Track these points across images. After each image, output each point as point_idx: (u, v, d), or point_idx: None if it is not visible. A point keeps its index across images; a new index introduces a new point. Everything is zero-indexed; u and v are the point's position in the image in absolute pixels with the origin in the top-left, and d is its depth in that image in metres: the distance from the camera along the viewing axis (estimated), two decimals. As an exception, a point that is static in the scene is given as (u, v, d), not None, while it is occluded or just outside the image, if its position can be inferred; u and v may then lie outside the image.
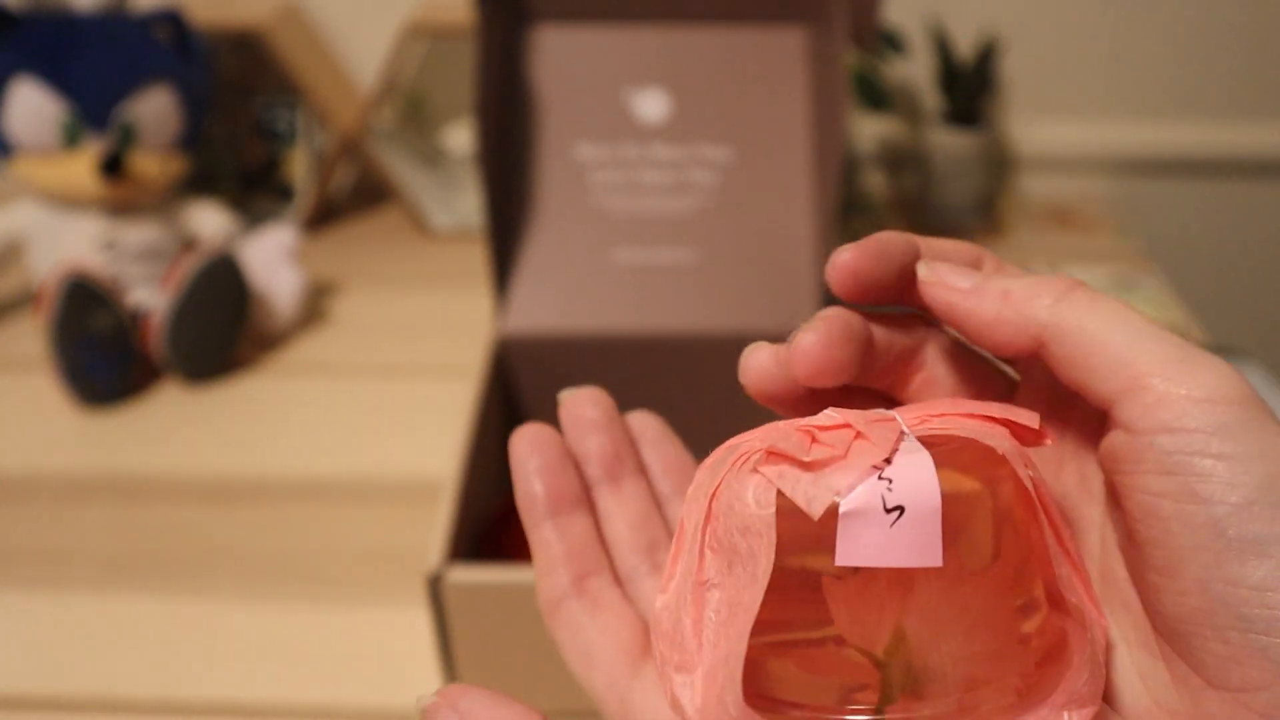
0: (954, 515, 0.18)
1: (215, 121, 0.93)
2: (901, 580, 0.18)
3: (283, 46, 0.87)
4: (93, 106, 0.70)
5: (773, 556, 0.18)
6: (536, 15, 0.64)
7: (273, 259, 0.76)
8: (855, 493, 0.18)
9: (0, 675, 0.49)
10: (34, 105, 0.69)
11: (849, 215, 0.94)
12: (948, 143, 0.92)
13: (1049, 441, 0.21)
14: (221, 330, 0.72)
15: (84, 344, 0.67)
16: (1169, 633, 0.19)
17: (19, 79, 0.68)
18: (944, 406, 0.20)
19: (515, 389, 0.61)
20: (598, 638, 0.22)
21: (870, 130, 1.01)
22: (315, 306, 0.83)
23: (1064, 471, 0.23)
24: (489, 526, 0.53)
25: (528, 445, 0.24)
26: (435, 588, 0.42)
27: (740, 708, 0.17)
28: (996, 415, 0.20)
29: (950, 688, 0.18)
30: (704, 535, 0.19)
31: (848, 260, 0.21)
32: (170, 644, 0.51)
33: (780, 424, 0.20)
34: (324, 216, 0.98)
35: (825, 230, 0.61)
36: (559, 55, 0.64)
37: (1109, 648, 0.19)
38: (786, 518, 0.18)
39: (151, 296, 0.72)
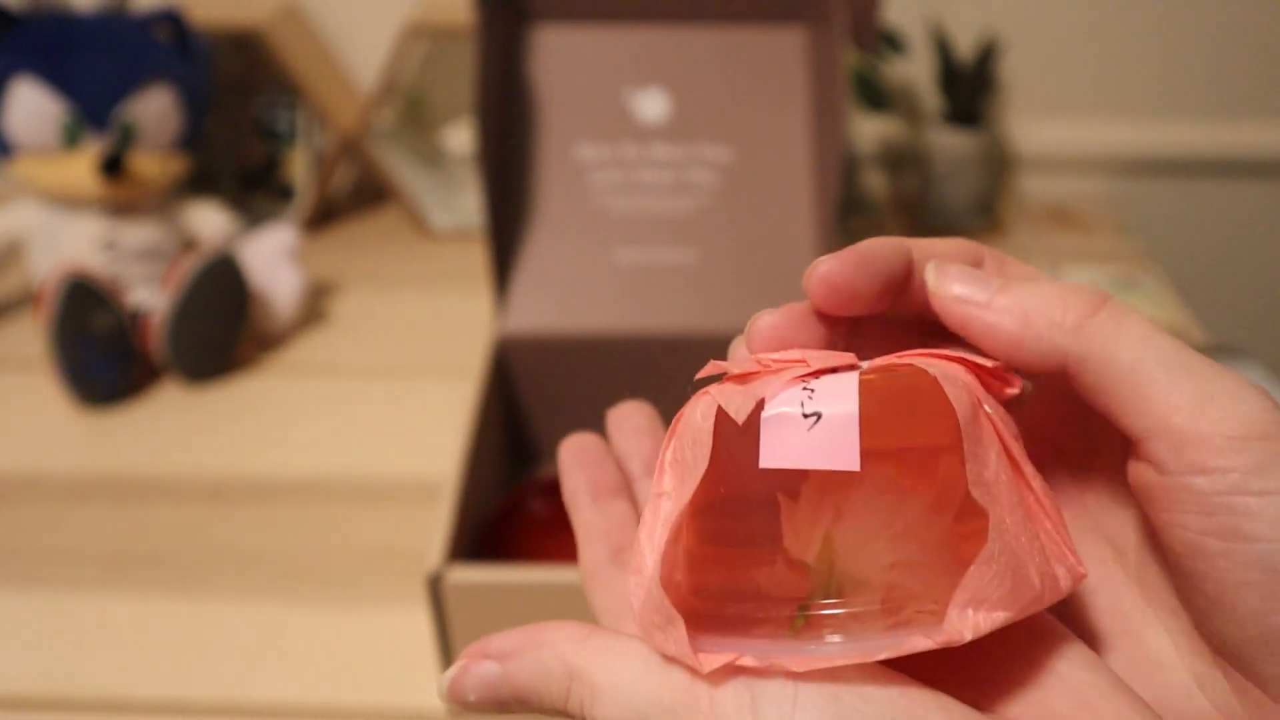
0: (893, 431, 0.19)
1: (215, 121, 0.93)
2: (835, 490, 0.19)
3: (283, 46, 0.87)
4: (93, 106, 0.70)
5: (706, 459, 0.19)
6: (536, 15, 0.64)
7: (273, 259, 0.76)
8: (776, 398, 0.19)
9: (0, 675, 0.49)
10: (34, 105, 0.69)
11: (849, 215, 0.94)
12: (948, 143, 0.92)
13: (1014, 390, 0.21)
14: (221, 330, 0.72)
15: (84, 344, 0.67)
16: (1225, 651, 0.18)
17: (19, 79, 0.68)
18: (919, 351, 0.21)
19: (515, 389, 0.61)
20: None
21: (870, 130, 1.01)
22: (315, 306, 0.83)
23: (1095, 473, 0.23)
24: (489, 526, 0.53)
25: (573, 447, 0.27)
26: (435, 588, 0.42)
27: (656, 586, 0.19)
28: (964, 358, 0.20)
29: (872, 591, 0.18)
30: (665, 452, 0.21)
31: (825, 272, 0.21)
32: (170, 644, 0.51)
33: (754, 355, 0.21)
34: (324, 216, 0.98)
35: (825, 230, 0.61)
36: (559, 55, 0.64)
37: (1068, 590, 0.19)
38: (740, 441, 0.19)
39: (151, 296, 0.72)
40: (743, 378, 0.20)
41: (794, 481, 0.19)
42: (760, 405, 0.19)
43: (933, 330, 0.23)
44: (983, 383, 0.20)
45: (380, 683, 0.49)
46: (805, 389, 0.19)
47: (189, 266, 0.69)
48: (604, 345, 0.60)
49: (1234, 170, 1.00)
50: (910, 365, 0.19)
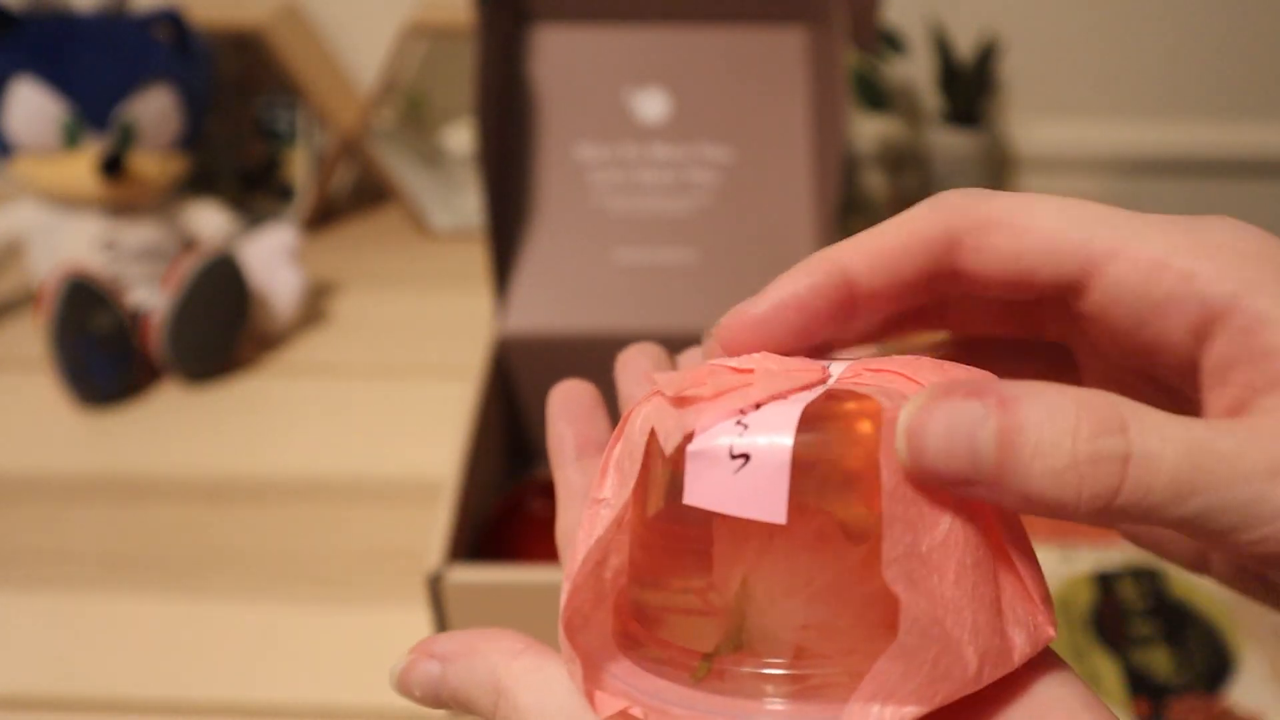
0: (830, 477, 0.17)
1: (215, 121, 0.93)
2: (758, 534, 0.17)
3: (283, 46, 0.87)
4: (93, 106, 0.70)
5: (634, 479, 0.18)
6: (536, 15, 0.64)
7: (273, 259, 0.76)
8: (705, 433, 0.17)
9: (0, 675, 0.49)
10: (34, 105, 0.69)
11: (849, 215, 0.94)
12: (948, 143, 0.92)
13: None
14: (221, 330, 0.72)
15: (84, 344, 0.67)
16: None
17: (19, 79, 0.68)
18: (896, 364, 0.19)
19: (515, 389, 0.61)
20: None
21: (870, 130, 1.01)
22: (315, 306, 0.83)
23: None
24: (489, 526, 0.53)
25: (562, 395, 0.25)
26: (435, 588, 0.42)
27: (560, 625, 0.18)
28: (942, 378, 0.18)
29: (781, 650, 0.17)
30: (609, 455, 0.19)
31: (726, 340, 0.20)
32: (170, 644, 0.51)
33: (712, 363, 0.20)
34: (324, 216, 0.98)
35: (825, 230, 0.61)
36: (559, 55, 0.64)
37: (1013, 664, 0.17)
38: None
39: (151, 296, 0.72)
40: (679, 401, 0.18)
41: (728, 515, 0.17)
42: (689, 437, 0.17)
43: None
44: None
45: (380, 683, 0.49)
46: (740, 422, 0.17)
47: (189, 266, 0.69)
48: (604, 345, 0.60)
49: (1234, 170, 1.00)
50: (864, 399, 0.17)
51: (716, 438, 0.17)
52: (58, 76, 0.69)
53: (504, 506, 0.54)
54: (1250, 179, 1.01)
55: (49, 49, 0.69)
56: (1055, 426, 0.15)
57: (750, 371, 0.18)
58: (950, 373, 0.18)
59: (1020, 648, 0.17)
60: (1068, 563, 0.55)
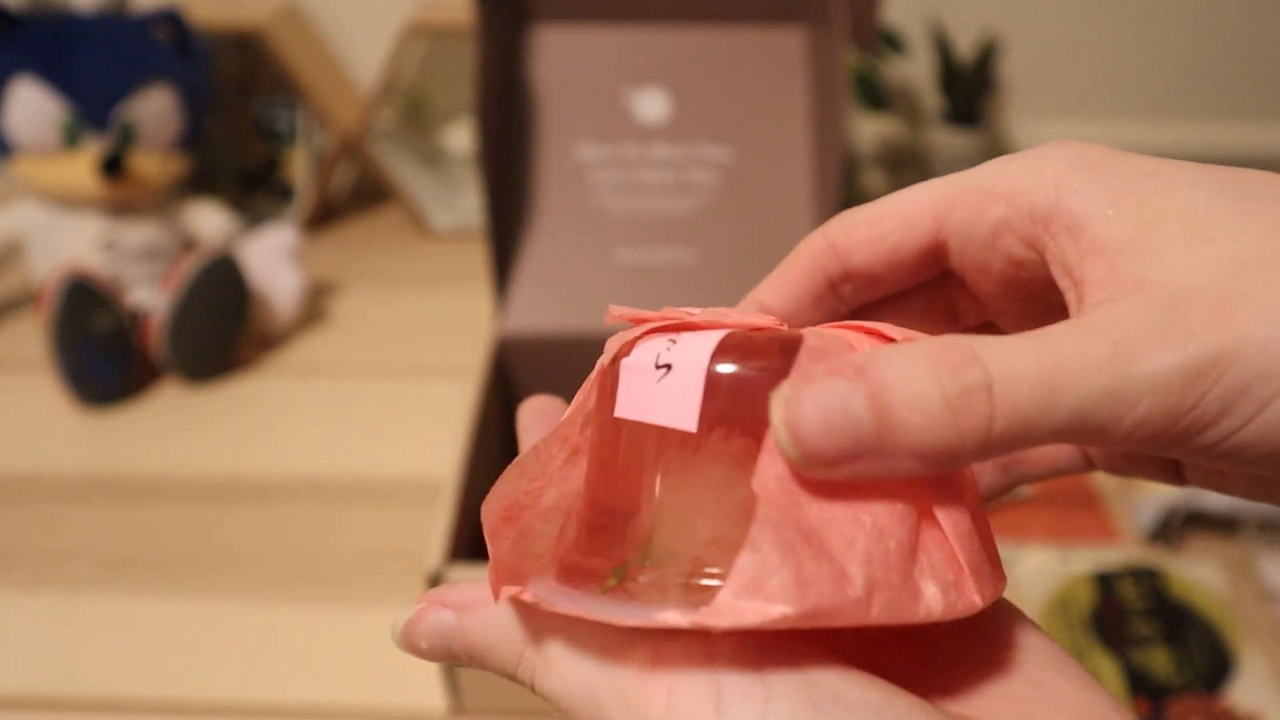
0: (742, 401, 0.17)
1: (215, 121, 0.93)
2: (669, 450, 0.18)
3: (283, 46, 0.87)
4: (93, 106, 0.70)
5: (588, 399, 0.19)
6: (536, 15, 0.64)
7: (273, 259, 0.76)
8: (639, 346, 0.18)
9: (0, 675, 0.49)
10: (34, 105, 0.69)
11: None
12: (948, 143, 0.92)
13: None
14: (221, 330, 0.72)
15: (84, 344, 0.67)
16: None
17: (19, 79, 0.68)
18: (861, 324, 0.19)
19: (515, 389, 0.61)
20: None
21: (870, 130, 1.01)
22: (315, 306, 0.83)
23: None
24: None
25: (533, 410, 0.25)
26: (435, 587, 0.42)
27: (490, 521, 0.19)
28: (890, 335, 0.19)
29: (679, 564, 0.17)
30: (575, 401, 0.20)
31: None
32: (170, 644, 0.51)
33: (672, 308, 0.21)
34: (324, 216, 0.98)
35: (825, 230, 0.61)
36: (559, 55, 0.64)
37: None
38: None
39: (151, 296, 0.72)
40: (637, 321, 0.19)
41: (657, 434, 0.18)
42: (625, 350, 0.18)
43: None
44: None
45: (380, 683, 0.49)
46: (670, 339, 0.18)
47: (189, 267, 0.69)
48: (604, 345, 0.60)
49: (1234, 170, 1.00)
50: (787, 332, 0.18)
51: (645, 350, 0.18)
52: (58, 76, 0.69)
53: (504, 506, 0.54)
54: (1250, 179, 1.01)
55: (49, 49, 0.69)
56: (917, 376, 0.16)
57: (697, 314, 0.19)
58: (895, 333, 0.19)
59: (930, 602, 0.17)
60: (1068, 563, 0.55)
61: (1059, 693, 0.17)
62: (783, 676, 0.16)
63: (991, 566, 0.18)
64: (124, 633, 0.52)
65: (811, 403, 0.16)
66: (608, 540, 0.18)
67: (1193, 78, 0.97)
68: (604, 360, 0.19)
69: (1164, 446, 0.16)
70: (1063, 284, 0.19)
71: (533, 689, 0.19)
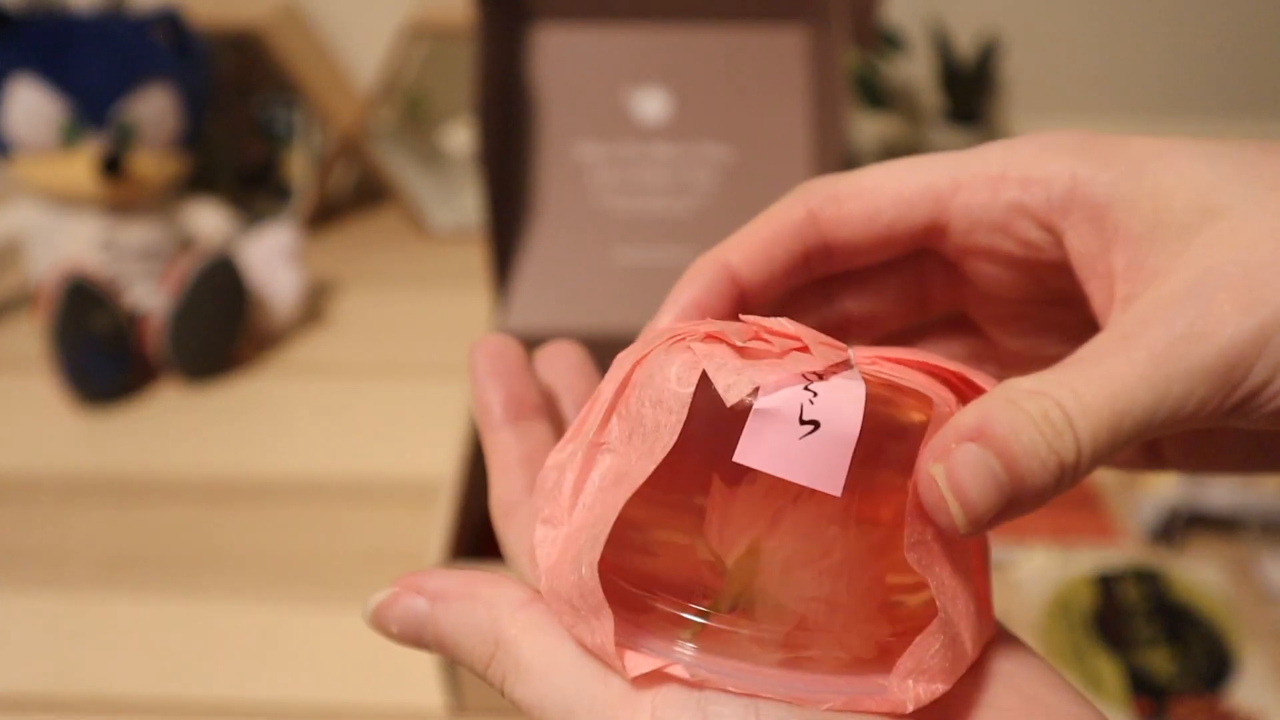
0: (862, 457, 0.17)
1: (214, 121, 0.93)
2: (777, 499, 0.17)
3: (282, 46, 0.87)
4: (91, 106, 0.70)
5: (676, 435, 0.17)
6: (536, 15, 0.64)
7: (272, 259, 0.76)
8: (777, 393, 0.17)
9: (0, 675, 0.49)
10: (33, 105, 0.69)
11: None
12: (948, 142, 0.92)
13: None
14: (221, 330, 0.72)
15: (83, 344, 0.67)
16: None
17: (18, 79, 0.68)
18: (903, 354, 0.19)
19: (515, 389, 0.61)
20: None
21: (870, 130, 1.01)
22: (315, 306, 0.82)
23: None
24: (489, 526, 0.52)
25: (488, 352, 0.23)
26: (435, 588, 0.42)
27: (593, 573, 0.17)
28: (951, 371, 0.18)
29: (782, 619, 0.17)
30: (616, 400, 0.18)
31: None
32: (169, 644, 0.51)
33: (730, 321, 0.19)
34: (324, 216, 0.98)
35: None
36: (559, 55, 0.64)
37: (982, 644, 0.18)
38: (704, 410, 0.17)
39: (150, 296, 0.72)
40: (742, 351, 0.17)
41: (737, 470, 0.17)
42: (754, 392, 0.17)
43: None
44: (964, 401, 0.18)
45: (380, 683, 0.49)
46: (809, 389, 0.17)
47: (189, 267, 0.69)
48: (604, 345, 0.60)
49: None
50: (907, 388, 0.17)
51: (786, 399, 0.16)
52: (56, 76, 0.69)
53: (504, 507, 0.54)
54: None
55: (48, 49, 0.69)
56: (1022, 428, 0.16)
57: (795, 337, 0.18)
58: (951, 367, 0.19)
59: (987, 635, 0.18)
60: (1069, 564, 0.55)
61: (1048, 705, 0.17)
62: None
63: (986, 619, 0.19)
64: (124, 633, 0.52)
65: (965, 471, 0.16)
66: (670, 567, 0.17)
67: (1193, 76, 0.97)
68: (662, 376, 0.17)
69: (1220, 420, 0.17)
70: (1083, 274, 0.19)
71: (502, 693, 0.18)
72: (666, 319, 0.21)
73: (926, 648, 0.17)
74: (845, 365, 0.18)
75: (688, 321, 0.20)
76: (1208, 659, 0.50)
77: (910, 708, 0.16)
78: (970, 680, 0.18)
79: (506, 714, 0.47)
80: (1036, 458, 0.16)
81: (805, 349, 0.18)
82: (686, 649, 0.17)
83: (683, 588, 0.17)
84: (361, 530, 0.59)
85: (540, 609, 0.18)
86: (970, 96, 0.91)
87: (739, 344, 0.17)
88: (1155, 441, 0.22)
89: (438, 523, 0.44)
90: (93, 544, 0.58)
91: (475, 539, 0.51)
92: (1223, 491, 0.57)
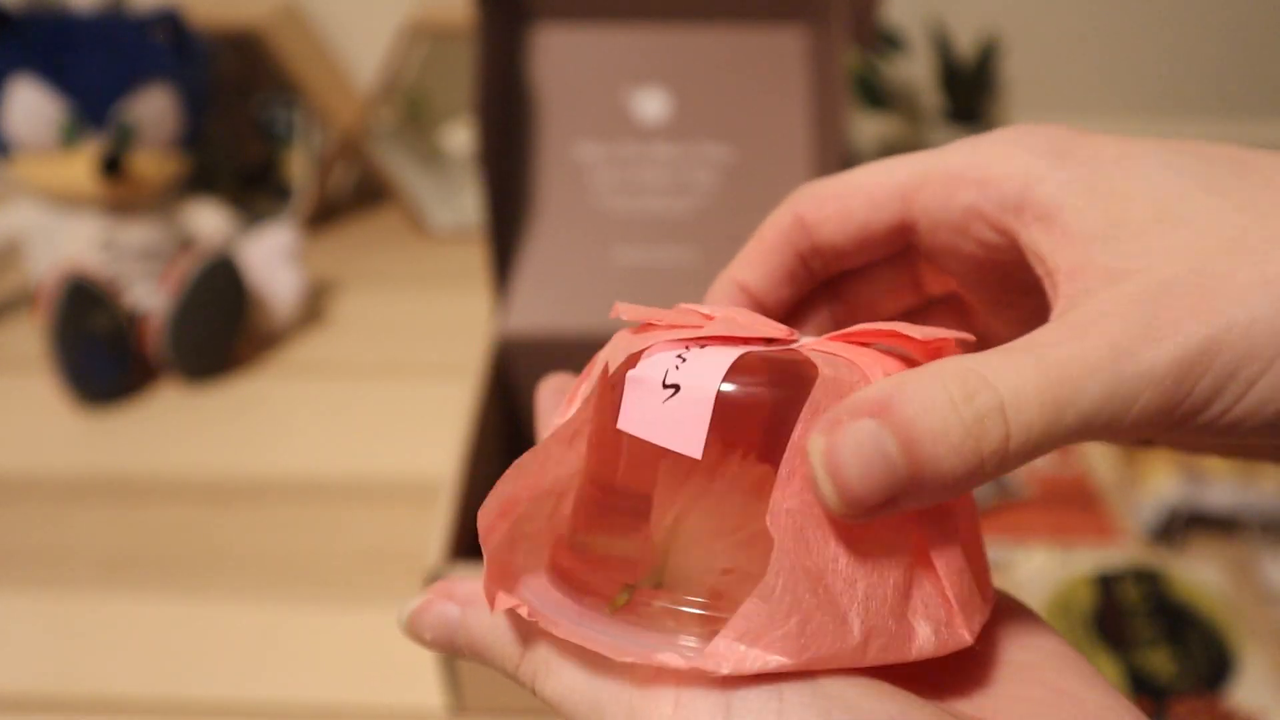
0: (783, 432, 0.17)
1: (214, 121, 0.93)
2: (696, 475, 0.17)
3: (282, 46, 0.87)
4: (91, 106, 0.70)
5: (582, 401, 0.18)
6: (536, 15, 0.64)
7: (272, 259, 0.76)
8: (648, 359, 0.17)
9: (0, 675, 0.49)
10: (33, 105, 0.69)
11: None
12: (948, 142, 0.92)
13: None
14: (221, 330, 0.72)
15: (83, 344, 0.67)
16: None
17: (18, 79, 0.68)
18: (882, 328, 0.19)
19: (515, 389, 0.61)
20: None
21: (870, 130, 1.01)
22: (315, 306, 0.82)
23: None
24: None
25: (553, 390, 0.25)
26: (435, 588, 0.42)
27: (486, 522, 0.18)
28: (926, 342, 0.18)
29: (698, 592, 0.17)
30: (576, 387, 0.20)
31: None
32: (170, 644, 0.51)
33: (683, 306, 0.20)
34: (324, 216, 0.98)
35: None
36: (559, 55, 0.64)
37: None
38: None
39: (150, 296, 0.72)
40: (643, 328, 0.19)
41: (672, 451, 0.17)
42: (631, 361, 0.18)
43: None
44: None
45: (380, 683, 0.49)
46: (680, 355, 0.17)
47: (189, 267, 0.69)
48: (603, 345, 0.60)
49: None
50: (805, 360, 0.17)
51: (655, 367, 0.17)
52: (56, 76, 0.69)
53: (504, 507, 0.54)
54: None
55: (47, 48, 0.69)
56: (936, 408, 0.16)
57: (712, 318, 0.19)
58: (931, 334, 0.19)
59: (922, 642, 0.17)
60: (1068, 564, 0.55)
61: (1075, 696, 0.17)
62: (795, 686, 0.16)
63: (982, 598, 0.18)
64: (124, 633, 0.52)
65: (848, 450, 0.16)
66: (614, 559, 0.18)
67: (1193, 76, 0.97)
68: (609, 365, 0.19)
69: (1163, 430, 0.17)
70: (1038, 270, 0.19)
71: (533, 692, 0.18)
72: None
73: (756, 611, 0.16)
74: (771, 343, 0.18)
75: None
76: (1208, 659, 0.50)
77: (726, 670, 0.16)
78: (996, 666, 0.18)
79: (507, 714, 0.47)
80: (945, 442, 0.15)
81: (703, 325, 0.18)
82: (586, 614, 0.18)
83: (623, 566, 0.18)
84: (361, 530, 0.59)
85: None
86: (970, 96, 0.91)
87: (644, 320, 0.19)
88: None
89: (438, 523, 0.44)
90: (93, 544, 0.58)
91: (475, 538, 0.51)
92: (1223, 491, 0.57)
